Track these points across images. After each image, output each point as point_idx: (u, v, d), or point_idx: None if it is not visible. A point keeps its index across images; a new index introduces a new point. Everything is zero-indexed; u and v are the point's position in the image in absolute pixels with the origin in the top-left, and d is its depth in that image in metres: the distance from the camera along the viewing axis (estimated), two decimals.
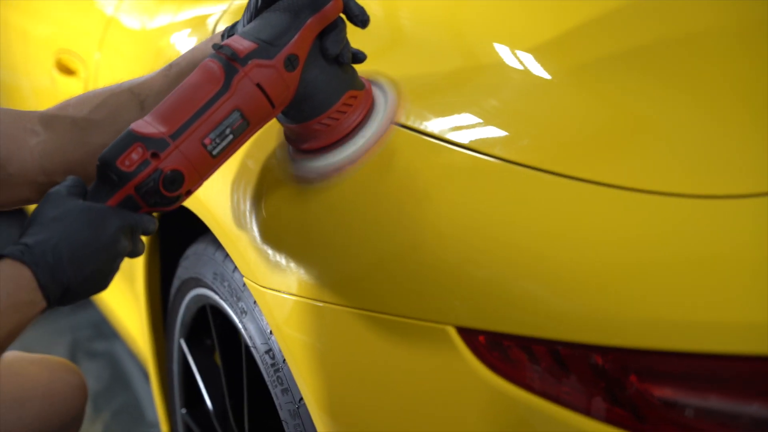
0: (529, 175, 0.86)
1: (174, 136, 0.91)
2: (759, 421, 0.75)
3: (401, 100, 1.01)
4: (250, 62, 0.94)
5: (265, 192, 1.08)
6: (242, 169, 1.12)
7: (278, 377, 1.11)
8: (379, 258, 0.93)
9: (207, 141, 0.93)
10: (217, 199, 1.14)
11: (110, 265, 0.91)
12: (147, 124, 0.92)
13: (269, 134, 1.10)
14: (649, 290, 0.78)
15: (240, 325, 1.18)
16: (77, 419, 1.39)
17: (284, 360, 1.09)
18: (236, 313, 1.19)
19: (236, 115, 0.94)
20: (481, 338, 0.84)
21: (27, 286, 0.86)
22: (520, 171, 0.87)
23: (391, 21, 1.16)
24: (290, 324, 1.03)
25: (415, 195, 0.93)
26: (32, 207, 1.12)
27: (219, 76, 0.94)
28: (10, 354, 1.36)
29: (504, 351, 0.83)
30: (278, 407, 1.11)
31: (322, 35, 0.99)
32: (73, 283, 0.88)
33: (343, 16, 1.00)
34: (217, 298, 1.26)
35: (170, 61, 1.11)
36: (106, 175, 0.91)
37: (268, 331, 1.12)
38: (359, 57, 1.02)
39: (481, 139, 0.92)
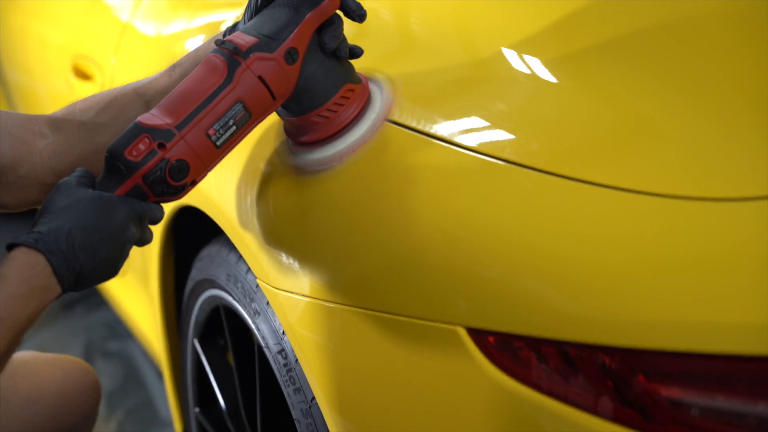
0: (536, 177, 0.87)
1: (179, 126, 0.93)
2: (765, 421, 0.75)
3: (397, 96, 1.02)
4: (251, 55, 0.96)
5: (270, 189, 1.09)
6: (251, 171, 1.13)
7: (291, 377, 1.11)
8: (387, 260, 0.94)
9: (211, 132, 0.94)
10: (230, 201, 1.15)
11: (120, 251, 0.93)
12: (153, 117, 0.94)
13: (275, 136, 1.12)
14: (655, 291, 0.78)
15: (253, 326, 1.19)
16: (90, 418, 1.40)
17: (296, 360, 1.10)
18: (249, 314, 1.20)
19: (239, 106, 0.96)
20: (491, 339, 0.85)
21: (42, 273, 0.88)
22: (527, 173, 0.87)
23: (391, 21, 1.16)
24: (302, 324, 1.04)
25: (417, 194, 0.93)
26: None
27: (222, 69, 0.96)
28: (25, 354, 1.38)
29: (514, 351, 0.84)
30: (290, 406, 1.12)
31: (320, 30, 1.01)
32: (85, 269, 0.90)
33: (340, 12, 1.02)
34: (230, 299, 1.27)
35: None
36: (114, 165, 0.92)
37: (281, 331, 1.12)
38: (356, 52, 1.04)
39: (488, 142, 0.92)
